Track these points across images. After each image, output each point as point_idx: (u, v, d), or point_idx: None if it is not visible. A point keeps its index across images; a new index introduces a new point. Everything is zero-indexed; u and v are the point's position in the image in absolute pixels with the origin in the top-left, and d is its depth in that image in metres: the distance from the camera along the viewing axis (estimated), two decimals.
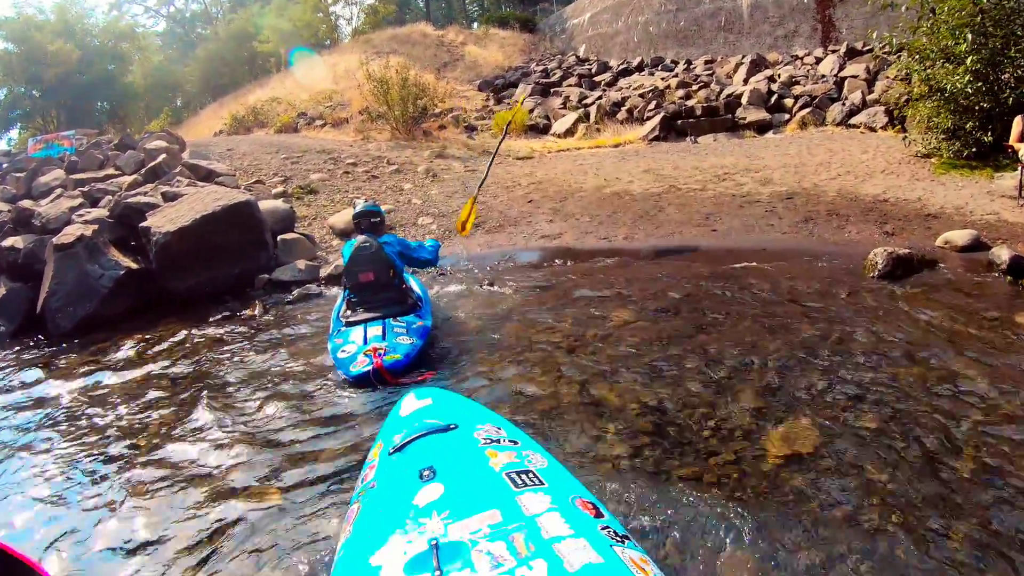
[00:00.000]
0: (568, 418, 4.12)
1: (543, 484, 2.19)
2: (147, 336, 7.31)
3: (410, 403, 3.10)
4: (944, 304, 5.73)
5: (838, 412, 3.94)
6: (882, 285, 6.32)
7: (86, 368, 6.59)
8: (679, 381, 4.52)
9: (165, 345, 6.91)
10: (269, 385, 5.27)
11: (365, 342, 5.10)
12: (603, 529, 2.00)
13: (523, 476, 2.24)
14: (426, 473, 2.32)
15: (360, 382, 4.83)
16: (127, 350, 6.94)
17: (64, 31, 36.67)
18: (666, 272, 7.41)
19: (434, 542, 1.91)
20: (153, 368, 6.23)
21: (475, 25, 47.48)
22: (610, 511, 2.27)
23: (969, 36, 10.02)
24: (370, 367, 4.77)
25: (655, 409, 4.14)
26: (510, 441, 2.58)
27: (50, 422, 5.25)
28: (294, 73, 29.88)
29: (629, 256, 8.38)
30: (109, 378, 6.13)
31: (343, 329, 5.46)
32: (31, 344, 8.01)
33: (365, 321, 5.43)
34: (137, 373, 6.16)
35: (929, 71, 10.71)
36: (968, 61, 9.95)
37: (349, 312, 5.73)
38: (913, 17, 11.55)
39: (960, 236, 7.47)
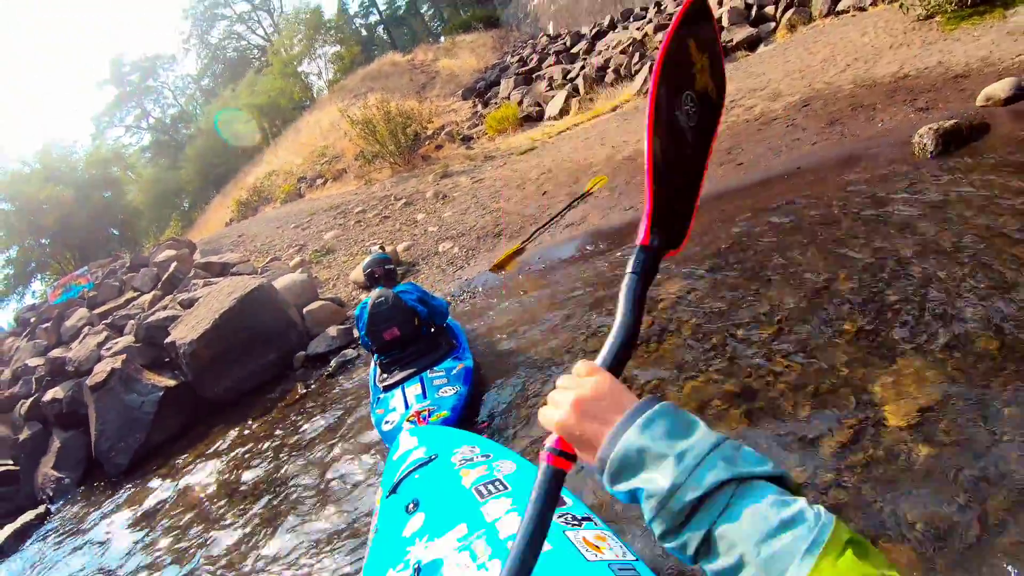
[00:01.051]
0: None
1: (507, 488, 2.32)
2: (201, 451, 7.04)
3: (399, 445, 3.26)
4: (1018, 168, 5.03)
5: (954, 347, 3.25)
6: (940, 165, 5.65)
7: (148, 500, 6.38)
8: (757, 350, 3.91)
9: (220, 455, 6.61)
10: (326, 472, 4.90)
11: (407, 407, 4.60)
12: (559, 517, 2.07)
13: (489, 486, 2.36)
14: (411, 506, 2.47)
15: None
16: (184, 471, 6.68)
17: (51, 176, 37.31)
18: (704, 224, 6.72)
19: (417, 566, 2.06)
20: (212, 481, 5.95)
21: (442, 39, 47.25)
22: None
23: None
24: None
25: (741, 395, 3.55)
26: (482, 456, 2.69)
27: (129, 562, 5.05)
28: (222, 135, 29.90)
29: None
30: (173, 503, 5.90)
31: (382, 396, 4.97)
32: (95, 489, 7.82)
33: (401, 381, 4.94)
34: (198, 492, 5.88)
35: None
36: None
37: (384, 375, 5.23)
38: None
39: (1001, 88, 6.73)
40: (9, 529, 7.94)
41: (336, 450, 5.34)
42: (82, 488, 8.35)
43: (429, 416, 4.36)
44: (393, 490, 2.76)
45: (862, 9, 14.58)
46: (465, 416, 4.56)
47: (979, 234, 4.18)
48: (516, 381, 5.00)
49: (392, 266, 5.65)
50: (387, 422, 4.57)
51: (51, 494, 8.62)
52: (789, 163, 7.78)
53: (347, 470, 4.83)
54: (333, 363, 7.49)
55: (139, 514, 6.16)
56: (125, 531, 5.93)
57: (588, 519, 2.15)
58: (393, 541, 2.36)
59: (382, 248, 10.11)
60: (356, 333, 6.58)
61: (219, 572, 4.27)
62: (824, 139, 8.00)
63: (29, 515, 8.15)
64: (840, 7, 15.38)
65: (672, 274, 5.69)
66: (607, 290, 6.14)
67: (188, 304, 9.32)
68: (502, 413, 4.59)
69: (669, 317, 4.91)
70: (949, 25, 9.74)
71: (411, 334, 5.25)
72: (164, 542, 5.17)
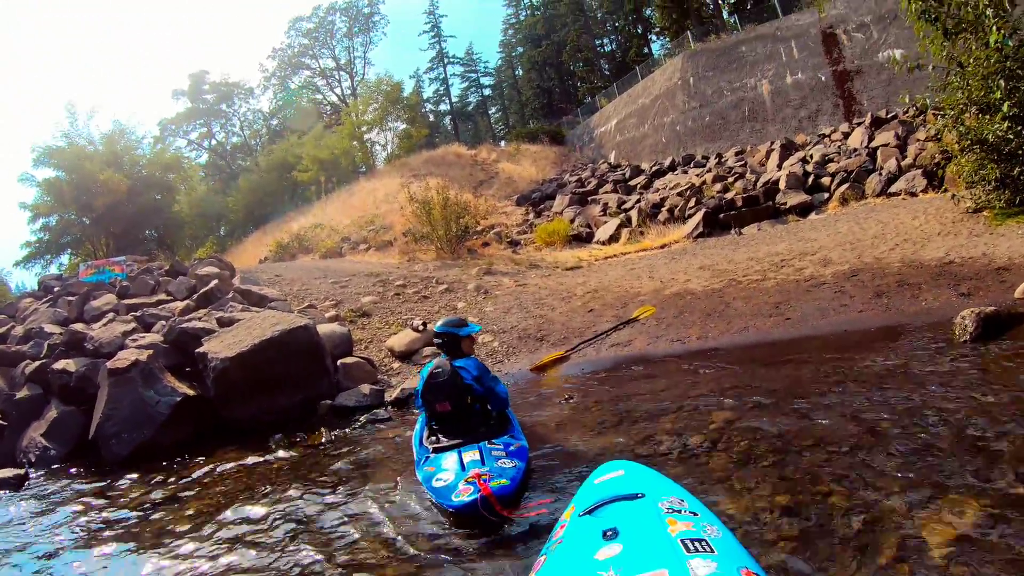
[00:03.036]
0: None
1: (713, 552, 2.29)
2: (207, 467, 6.93)
3: (603, 473, 3.35)
4: None
5: (989, 483, 3.50)
6: (978, 348, 5.94)
7: (143, 499, 6.24)
8: (805, 478, 4.05)
9: (228, 477, 6.50)
10: (352, 519, 4.84)
11: (463, 469, 4.61)
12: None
13: (696, 543, 2.35)
14: (609, 533, 2.49)
15: (465, 512, 4.24)
16: (187, 481, 6.56)
17: (113, 161, 38.18)
18: (751, 366, 7.02)
19: None
20: (215, 501, 5.81)
21: (503, 143, 48.61)
22: None
23: (1002, 83, 10.12)
24: (477, 496, 4.20)
25: (790, 511, 3.66)
26: (690, 512, 2.68)
27: (104, 555, 4.93)
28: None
29: (708, 356, 7.95)
30: (168, 512, 5.75)
31: (431, 456, 5.00)
32: (84, 471, 7.72)
33: (458, 447, 4.95)
34: (198, 506, 5.76)
35: (965, 125, 10.65)
36: (1004, 107, 9.97)
37: (434, 438, 5.27)
38: (940, 76, 11.62)
39: None
40: None
41: (368, 495, 5.27)
42: (67, 464, 8.23)
43: (490, 480, 4.35)
44: (589, 511, 2.80)
45: (913, 194, 15.20)
46: (520, 490, 4.52)
47: (1012, 414, 4.42)
48: (564, 473, 4.98)
49: (457, 338, 5.70)
50: (439, 479, 4.54)
51: (33, 460, 8.49)
52: (835, 325, 8.05)
53: (382, 516, 4.73)
54: (363, 418, 7.51)
55: (122, 508, 6.07)
56: (101, 520, 5.82)
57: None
58: (583, 559, 2.40)
59: (424, 325, 10.28)
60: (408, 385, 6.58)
61: None
62: (870, 309, 8.30)
63: (7, 472, 8.03)
64: (893, 189, 16.00)
65: (721, 402, 5.86)
66: (653, 404, 6.23)
67: (227, 323, 9.40)
68: (552, 500, 4.56)
69: (718, 437, 5.05)
70: (996, 221, 10.25)
71: (462, 410, 5.28)
72: (136, 542, 5.11)
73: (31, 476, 7.96)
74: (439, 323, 5.78)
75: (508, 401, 5.59)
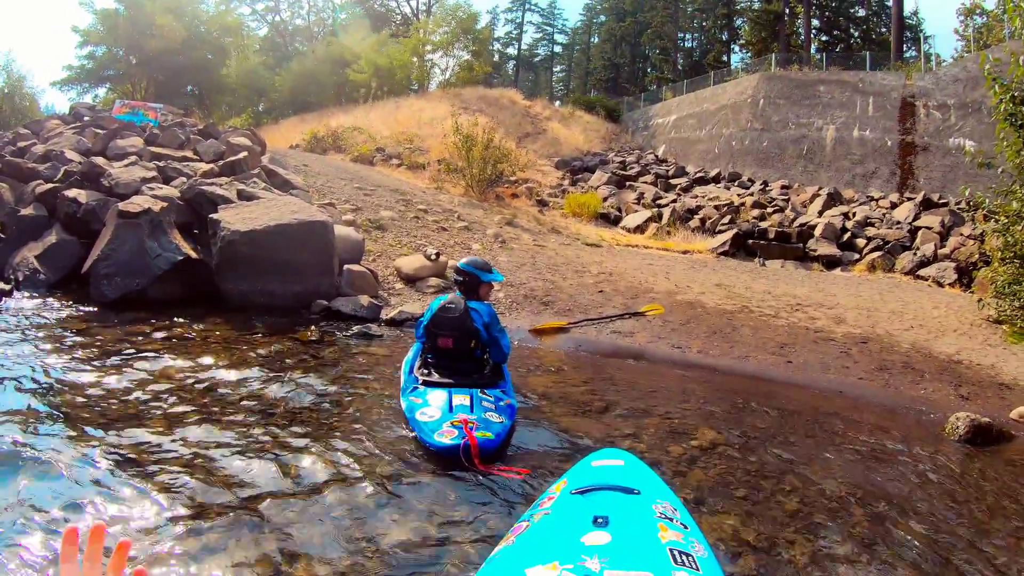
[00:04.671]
0: None
1: (699, 571, 2.25)
2: (189, 331, 6.92)
3: (602, 458, 3.27)
4: None
5: None
6: (964, 450, 5.94)
7: (119, 344, 6.26)
8: (773, 522, 4.03)
9: (206, 346, 6.47)
10: (326, 420, 4.79)
11: (451, 410, 4.54)
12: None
13: (684, 556, 2.32)
14: (600, 520, 2.46)
15: (444, 454, 4.19)
16: (165, 338, 6.56)
17: (174, 8, 37.75)
18: (746, 396, 6.94)
19: None
20: (187, 365, 5.79)
21: (558, 103, 48.10)
22: None
23: None
24: (461, 442, 4.15)
25: (752, 547, 3.65)
26: (682, 524, 2.64)
27: (69, 390, 4.92)
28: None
29: (705, 371, 7.90)
30: (138, 362, 5.72)
31: (420, 388, 4.92)
32: (68, 302, 7.71)
33: (449, 386, 4.86)
34: (170, 363, 5.76)
35: (1014, 236, 10.48)
36: None
37: (426, 371, 5.19)
38: (1006, 182, 11.44)
39: None
40: None
41: (345, 403, 5.26)
42: (54, 292, 8.20)
43: (475, 430, 4.28)
44: (582, 492, 2.77)
45: (940, 284, 15.05)
46: (502, 448, 4.47)
47: (982, 517, 4.44)
48: (543, 440, 4.95)
49: (481, 280, 5.58)
50: (423, 413, 4.47)
51: (20, 279, 8.48)
52: (833, 384, 7.96)
53: (354, 427, 4.72)
54: (355, 328, 7.43)
55: (95, 347, 6.08)
56: (69, 354, 5.86)
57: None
58: (568, 539, 2.36)
59: (438, 255, 10.16)
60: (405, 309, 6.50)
61: (123, 441, 4.13)
62: (870, 380, 8.20)
63: None
64: (922, 272, 15.89)
65: (708, 422, 5.78)
66: (642, 402, 6.16)
67: (247, 197, 9.29)
68: (531, 457, 4.52)
69: (697, 456, 4.97)
70: (1013, 338, 10.14)
71: (463, 352, 5.21)
72: (98, 385, 5.10)
73: (15, 294, 7.92)
74: (464, 260, 5.64)
75: (508, 356, 5.49)
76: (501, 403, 4.80)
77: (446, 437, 4.21)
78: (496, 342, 5.30)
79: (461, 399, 4.67)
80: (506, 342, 5.39)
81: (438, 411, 4.52)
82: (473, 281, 5.50)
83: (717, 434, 5.50)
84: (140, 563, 2.87)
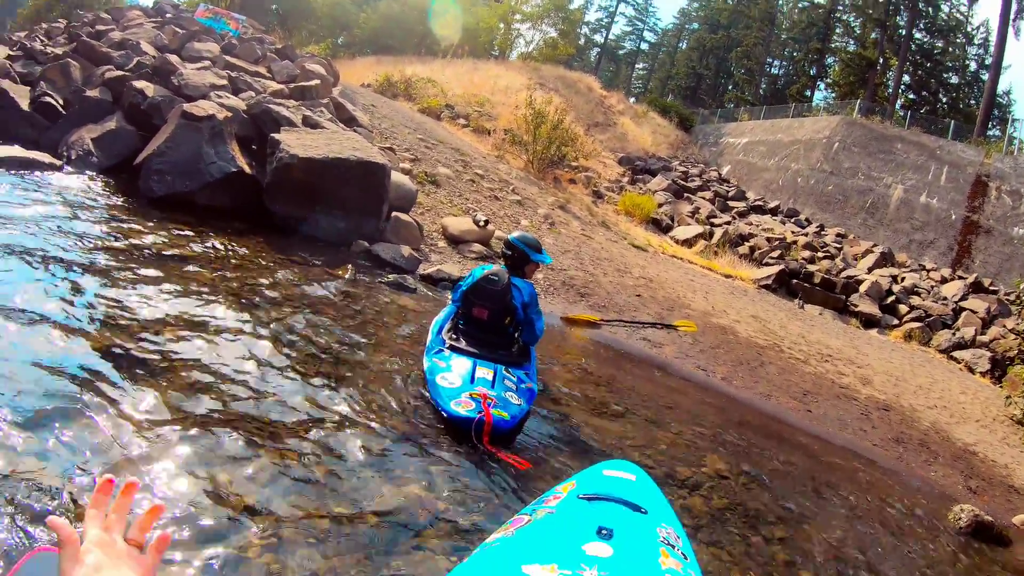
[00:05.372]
0: None
1: None
2: (227, 242, 6.89)
3: (614, 468, 3.18)
4: None
5: None
6: (961, 542, 5.86)
7: (156, 240, 6.25)
8: (769, 565, 4.02)
9: (240, 261, 6.43)
10: (345, 361, 4.71)
11: (472, 381, 4.44)
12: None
13: None
14: (604, 531, 2.39)
15: (456, 424, 4.11)
16: (203, 246, 6.56)
17: None
18: (758, 434, 6.85)
19: None
20: (217, 276, 5.76)
21: (633, 100, 47.65)
22: None
23: None
24: (477, 416, 4.05)
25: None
26: (682, 553, 2.56)
27: (92, 277, 4.87)
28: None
29: (724, 399, 7.79)
30: (170, 262, 5.71)
31: (445, 351, 4.81)
32: (115, 190, 7.72)
33: (475, 356, 4.76)
34: (205, 273, 5.72)
35: None
36: None
37: (454, 336, 5.08)
38: None
39: None
40: (22, 152, 7.82)
41: (368, 345, 5.22)
42: (103, 177, 8.20)
43: (492, 407, 4.17)
44: (589, 498, 2.72)
45: (972, 370, 14.73)
46: (515, 431, 4.39)
47: None
48: (554, 435, 4.84)
49: (529, 258, 5.44)
50: (444, 378, 4.38)
51: (72, 157, 8.50)
52: (848, 442, 7.90)
53: (372, 372, 4.67)
54: (391, 276, 7.34)
55: (131, 236, 6.08)
56: (104, 240, 5.84)
57: None
58: (569, 544, 2.31)
59: (487, 222, 10.05)
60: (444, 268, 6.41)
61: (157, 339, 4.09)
62: (884, 448, 8.15)
63: (45, 156, 8.02)
64: (956, 354, 15.61)
65: (718, 450, 5.70)
66: (659, 417, 6.04)
67: (312, 124, 9.21)
68: (538, 450, 4.43)
69: (703, 482, 4.91)
70: None
71: (496, 325, 5.11)
72: (126, 273, 5.09)
73: (64, 169, 7.92)
74: (515, 234, 5.50)
75: (539, 339, 5.37)
76: (523, 385, 4.70)
77: (462, 408, 4.12)
78: (531, 323, 5.18)
79: (484, 372, 4.58)
80: (540, 325, 5.26)
81: (459, 379, 4.43)
82: (521, 257, 5.36)
83: (725, 465, 5.44)
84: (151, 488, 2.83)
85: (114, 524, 1.05)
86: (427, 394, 4.49)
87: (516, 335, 5.26)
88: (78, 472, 2.73)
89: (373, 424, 3.93)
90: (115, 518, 1.05)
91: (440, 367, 4.54)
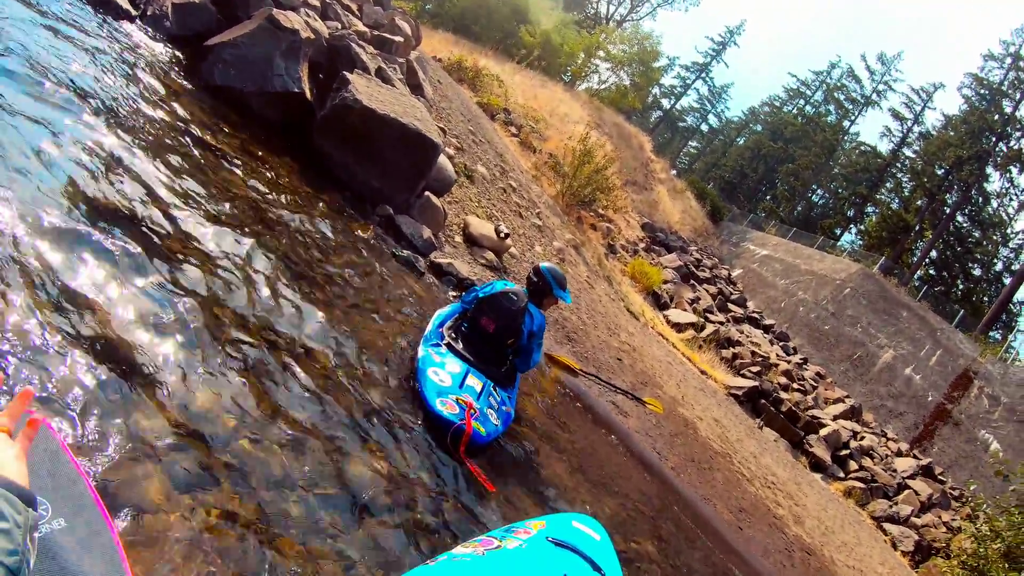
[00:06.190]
0: None
1: None
2: (265, 155, 6.87)
3: (583, 523, 3.35)
4: None
5: None
6: None
7: (199, 129, 6.17)
8: None
9: (271, 183, 6.32)
10: (342, 318, 4.65)
11: (461, 386, 4.41)
12: None
13: None
14: None
15: (435, 423, 4.08)
16: (240, 149, 6.52)
17: None
18: (690, 536, 6.90)
19: None
20: (248, 181, 5.72)
21: (675, 172, 48.08)
22: None
23: None
24: (458, 422, 4.03)
25: None
26: None
27: (126, 138, 4.72)
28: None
29: (668, 490, 7.82)
30: (208, 157, 5.64)
31: (442, 347, 4.78)
32: (175, 59, 7.59)
33: (470, 363, 4.75)
34: (233, 174, 5.68)
35: (986, 552, 10.62)
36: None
37: (454, 335, 5.06)
38: (1013, 501, 11.61)
39: None
40: None
41: (361, 301, 5.17)
42: (168, 41, 8.05)
43: (474, 418, 4.14)
44: (557, 543, 2.84)
45: (895, 547, 15.17)
46: (485, 446, 4.36)
47: None
48: (517, 465, 4.83)
49: (552, 293, 5.47)
50: (435, 372, 4.36)
51: (148, 13, 8.28)
52: (764, 570, 7.96)
53: (362, 341, 4.57)
54: (405, 252, 7.30)
55: (176, 119, 6.01)
56: (155, 115, 5.74)
57: None
58: None
59: (507, 236, 10.02)
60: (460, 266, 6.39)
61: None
62: None
63: (124, 1, 7.86)
64: (886, 526, 15.98)
65: (653, 535, 5.66)
66: (608, 482, 6.00)
67: (384, 79, 9.17)
68: (501, 475, 4.37)
69: (638, 560, 4.89)
70: None
71: (498, 342, 5.11)
72: (158, 152, 4.98)
73: (136, 22, 7.81)
74: (547, 264, 5.58)
75: (529, 370, 5.42)
76: (503, 408, 4.73)
77: (447, 408, 4.10)
78: (529, 352, 5.20)
79: (474, 381, 4.59)
80: (537, 358, 5.30)
81: (449, 378, 4.42)
82: (545, 290, 5.42)
83: (656, 551, 5.53)
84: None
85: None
86: (412, 379, 4.46)
87: (510, 357, 5.25)
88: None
89: (352, 386, 3.88)
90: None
91: (434, 360, 4.52)
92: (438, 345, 4.79)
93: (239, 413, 2.98)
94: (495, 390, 4.74)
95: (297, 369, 3.65)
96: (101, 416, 2.45)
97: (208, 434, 2.75)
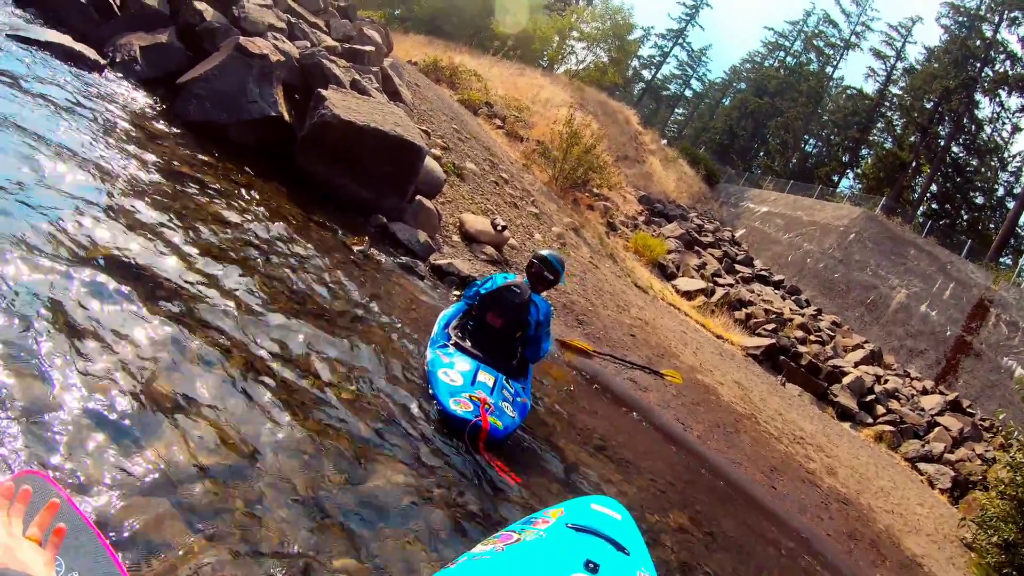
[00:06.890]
0: None
1: None
2: (248, 182, 6.84)
3: (601, 504, 3.26)
4: None
5: None
6: None
7: (178, 162, 6.19)
8: None
9: (258, 205, 6.31)
10: (346, 332, 4.66)
11: (472, 384, 4.42)
12: None
13: None
14: (591, 565, 2.47)
15: (451, 423, 4.09)
16: (225, 181, 6.50)
17: None
18: (723, 500, 6.96)
19: None
20: (235, 215, 5.68)
21: (665, 142, 47.88)
22: None
23: None
24: (474, 419, 4.04)
25: None
26: None
27: (107, 183, 4.71)
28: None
29: (696, 459, 7.83)
30: (188, 187, 5.65)
31: (450, 347, 4.79)
32: (149, 103, 7.57)
33: (479, 360, 4.76)
34: (220, 207, 5.65)
35: (1020, 490, 10.42)
36: None
37: (461, 334, 5.06)
38: None
39: None
40: (70, 42, 7.62)
41: (363, 311, 5.20)
42: (141, 87, 8.07)
43: (490, 414, 4.16)
44: (577, 528, 2.76)
45: (932, 485, 15.03)
46: (503, 440, 4.36)
47: None
48: (539, 455, 4.84)
49: (550, 280, 5.46)
50: (445, 373, 4.37)
51: (116, 60, 8.33)
52: (803, 526, 8.00)
53: (366, 351, 4.57)
54: (403, 258, 7.31)
55: (154, 152, 6.02)
56: (125, 148, 5.72)
57: None
58: (559, 571, 2.41)
59: (504, 229, 10.02)
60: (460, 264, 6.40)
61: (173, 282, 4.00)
62: (837, 540, 8.26)
63: (91, 52, 7.85)
64: (921, 466, 15.74)
65: (684, 507, 5.66)
66: (634, 461, 6.02)
67: (360, 90, 9.18)
68: (523, 467, 4.40)
69: (663, 531, 4.97)
70: (977, 569, 10.39)
71: (506, 336, 5.11)
72: (142, 198, 4.91)
73: (105, 71, 7.81)
74: (547, 251, 5.56)
75: (541, 359, 5.41)
76: (519, 399, 4.73)
77: (460, 407, 4.11)
78: (539, 342, 5.20)
79: (486, 377, 4.59)
80: (547, 346, 5.29)
81: (460, 377, 4.42)
82: (549, 277, 5.41)
83: (689, 522, 5.50)
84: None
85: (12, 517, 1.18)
86: (424, 384, 4.48)
87: (520, 349, 5.25)
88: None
89: (367, 398, 3.90)
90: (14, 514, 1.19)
91: (443, 361, 4.53)
92: (445, 346, 4.81)
93: (254, 435, 3.00)
94: (508, 383, 4.75)
95: (308, 387, 3.66)
96: (104, 454, 2.47)
97: (223, 465, 2.77)
